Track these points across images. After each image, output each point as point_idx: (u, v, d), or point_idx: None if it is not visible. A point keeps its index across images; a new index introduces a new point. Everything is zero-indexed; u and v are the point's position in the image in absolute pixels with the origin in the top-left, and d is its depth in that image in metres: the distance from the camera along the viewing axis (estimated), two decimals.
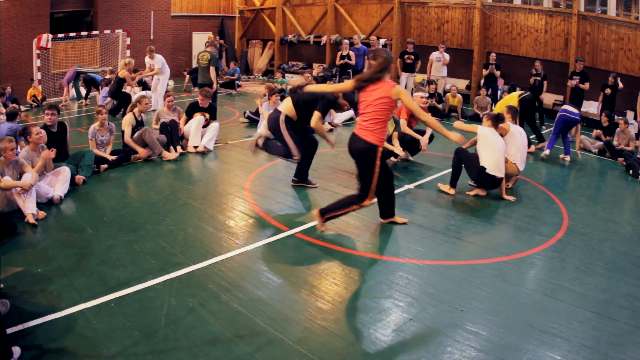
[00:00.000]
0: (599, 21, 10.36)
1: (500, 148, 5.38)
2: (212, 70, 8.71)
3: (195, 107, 7.42)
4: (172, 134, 6.97)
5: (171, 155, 6.74)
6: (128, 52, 13.84)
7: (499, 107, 7.28)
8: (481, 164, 5.33)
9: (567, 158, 7.44)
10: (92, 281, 3.50)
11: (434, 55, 11.24)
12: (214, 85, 8.78)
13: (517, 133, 5.68)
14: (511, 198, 5.45)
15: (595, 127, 8.89)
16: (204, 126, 7.39)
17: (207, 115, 7.39)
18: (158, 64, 10.57)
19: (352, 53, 11.11)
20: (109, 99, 9.81)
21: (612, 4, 10.65)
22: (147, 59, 10.70)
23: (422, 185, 5.91)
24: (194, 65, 15.55)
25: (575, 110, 7.37)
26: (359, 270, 3.79)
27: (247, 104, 9.75)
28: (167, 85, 11.23)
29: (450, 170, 5.62)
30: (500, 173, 5.32)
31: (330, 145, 5.35)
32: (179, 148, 6.94)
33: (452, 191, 5.52)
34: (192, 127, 7.21)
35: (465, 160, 5.49)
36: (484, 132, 5.42)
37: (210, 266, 3.77)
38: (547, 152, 7.50)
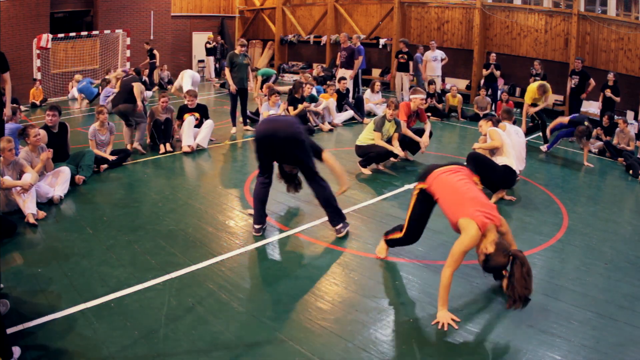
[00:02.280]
0: (599, 21, 10.36)
1: (516, 143, 5.46)
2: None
3: (185, 109, 7.56)
4: (166, 131, 7.19)
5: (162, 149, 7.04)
6: (128, 52, 13.85)
7: (529, 96, 7.82)
8: (503, 163, 5.24)
9: (543, 149, 7.81)
10: (92, 281, 3.50)
11: (428, 54, 11.24)
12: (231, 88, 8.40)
13: (514, 133, 5.68)
14: (511, 198, 5.45)
15: (595, 126, 8.89)
16: (197, 126, 7.46)
17: (197, 115, 7.47)
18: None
19: None
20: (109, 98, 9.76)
21: (612, 4, 10.64)
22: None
23: None
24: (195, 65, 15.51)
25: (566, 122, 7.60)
26: (359, 270, 3.79)
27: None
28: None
29: None
30: (521, 165, 5.39)
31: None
32: (168, 146, 7.12)
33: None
34: (185, 128, 7.32)
35: (482, 165, 5.13)
36: (502, 137, 5.35)
37: (210, 266, 3.77)
38: (544, 148, 7.78)
